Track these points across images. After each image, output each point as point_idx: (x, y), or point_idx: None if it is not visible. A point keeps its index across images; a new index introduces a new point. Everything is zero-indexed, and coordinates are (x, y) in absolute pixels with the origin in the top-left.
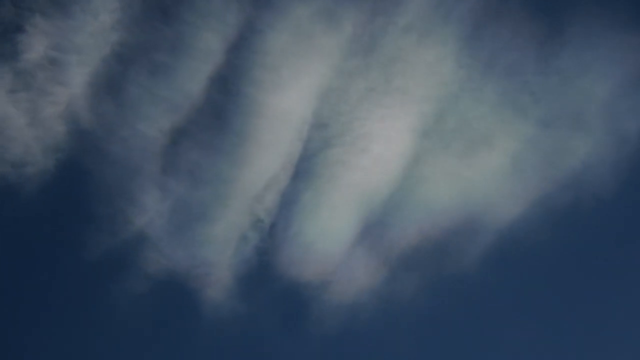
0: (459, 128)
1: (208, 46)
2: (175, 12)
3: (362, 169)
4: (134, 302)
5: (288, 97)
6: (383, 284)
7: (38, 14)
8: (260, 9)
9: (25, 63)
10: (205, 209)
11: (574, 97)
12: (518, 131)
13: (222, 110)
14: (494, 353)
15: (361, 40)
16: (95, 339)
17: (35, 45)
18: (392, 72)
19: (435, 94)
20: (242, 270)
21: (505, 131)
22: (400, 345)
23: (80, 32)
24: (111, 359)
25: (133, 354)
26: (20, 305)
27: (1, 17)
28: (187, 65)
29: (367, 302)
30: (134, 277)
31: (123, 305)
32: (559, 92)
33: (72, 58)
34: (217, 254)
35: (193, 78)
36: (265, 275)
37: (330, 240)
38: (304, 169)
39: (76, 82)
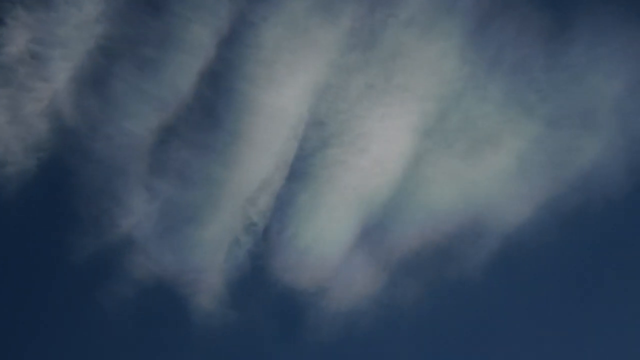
0: (463, 127)
1: (198, 40)
2: (164, 3)
3: (361, 169)
4: (120, 310)
5: (283, 93)
6: (383, 291)
7: (19, 6)
8: (254, 1)
9: (6, 57)
10: (195, 212)
11: (583, 95)
12: (524, 130)
13: (213, 107)
14: None
15: (360, 35)
16: (77, 349)
17: (16, 39)
18: (392, 68)
19: (437, 92)
20: (234, 276)
21: (511, 130)
22: (401, 356)
23: (64, 24)
24: None
25: None
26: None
27: None
28: (177, 60)
29: (366, 310)
30: (119, 282)
31: (108, 313)
32: (568, 90)
33: (55, 52)
34: (207, 258)
35: (182, 73)
36: (258, 282)
37: (327, 244)
38: (300, 170)
39: (59, 77)
